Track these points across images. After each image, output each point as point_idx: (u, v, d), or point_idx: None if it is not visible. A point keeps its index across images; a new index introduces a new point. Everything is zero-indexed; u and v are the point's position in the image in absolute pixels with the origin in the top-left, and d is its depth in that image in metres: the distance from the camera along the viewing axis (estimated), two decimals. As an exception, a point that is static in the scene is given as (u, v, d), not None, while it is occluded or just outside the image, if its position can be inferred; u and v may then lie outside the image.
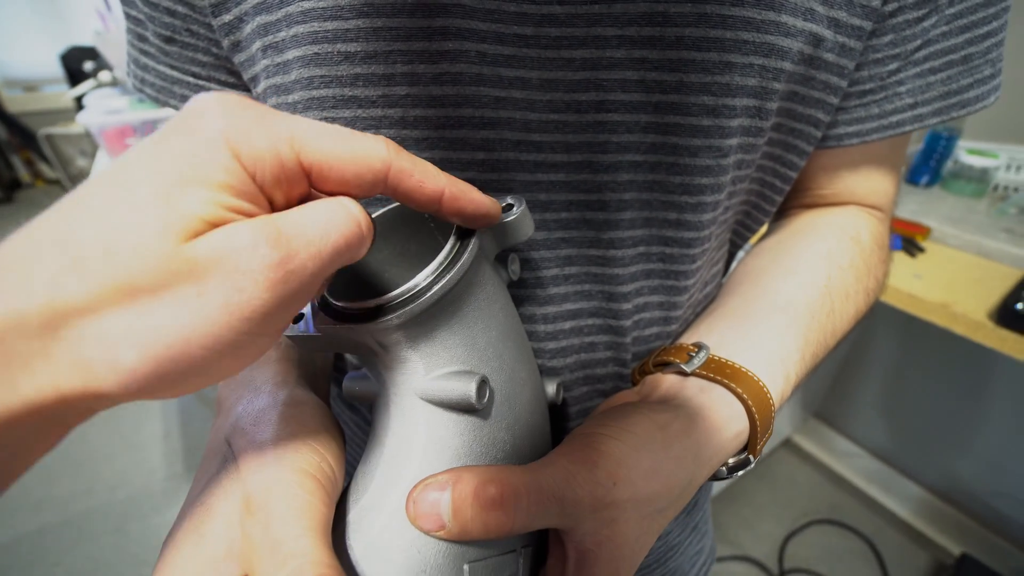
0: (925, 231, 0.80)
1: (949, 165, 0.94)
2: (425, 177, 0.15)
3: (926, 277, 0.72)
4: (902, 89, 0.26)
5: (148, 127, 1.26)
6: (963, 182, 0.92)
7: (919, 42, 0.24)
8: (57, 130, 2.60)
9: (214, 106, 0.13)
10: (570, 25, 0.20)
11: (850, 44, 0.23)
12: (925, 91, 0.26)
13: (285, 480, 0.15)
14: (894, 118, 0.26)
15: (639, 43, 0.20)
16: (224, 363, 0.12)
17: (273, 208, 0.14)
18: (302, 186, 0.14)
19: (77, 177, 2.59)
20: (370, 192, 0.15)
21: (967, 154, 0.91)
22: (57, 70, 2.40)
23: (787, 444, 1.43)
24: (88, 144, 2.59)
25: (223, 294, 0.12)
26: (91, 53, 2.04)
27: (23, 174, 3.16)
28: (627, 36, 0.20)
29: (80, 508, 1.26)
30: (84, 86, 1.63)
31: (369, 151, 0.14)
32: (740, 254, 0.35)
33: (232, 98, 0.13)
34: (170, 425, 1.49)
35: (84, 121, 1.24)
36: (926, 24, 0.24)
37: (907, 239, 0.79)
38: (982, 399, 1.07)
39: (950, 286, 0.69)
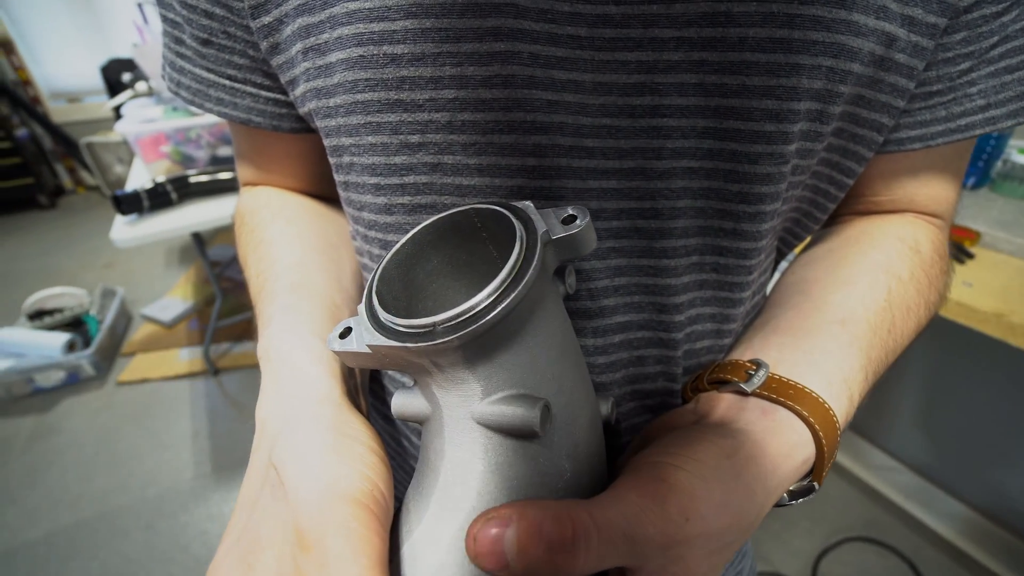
0: (974, 236, 0.76)
1: (998, 166, 0.89)
2: None
3: (977, 285, 0.68)
4: (973, 90, 0.24)
5: (180, 134, 1.30)
6: (1015, 183, 0.87)
7: (996, 39, 0.23)
8: (97, 139, 2.71)
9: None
10: (626, 26, 0.19)
11: (923, 43, 0.21)
12: (999, 91, 0.24)
13: (339, 513, 0.15)
14: (963, 121, 0.25)
15: (699, 45, 0.19)
16: None
17: None
18: None
19: (115, 183, 2.70)
20: None
21: (1019, 153, 0.86)
22: (98, 81, 2.52)
23: (819, 456, 1.38)
24: (125, 152, 2.70)
25: None
26: (129, 65, 2.12)
27: (66, 181, 3.31)
28: (686, 38, 0.19)
29: (114, 505, 1.30)
30: (122, 96, 1.69)
31: None
32: (783, 264, 0.34)
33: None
34: (199, 426, 1.53)
35: (121, 130, 1.29)
36: (1005, 19, 0.22)
37: (955, 244, 0.76)
38: (1033, 413, 1.01)
39: (1003, 294, 0.66)
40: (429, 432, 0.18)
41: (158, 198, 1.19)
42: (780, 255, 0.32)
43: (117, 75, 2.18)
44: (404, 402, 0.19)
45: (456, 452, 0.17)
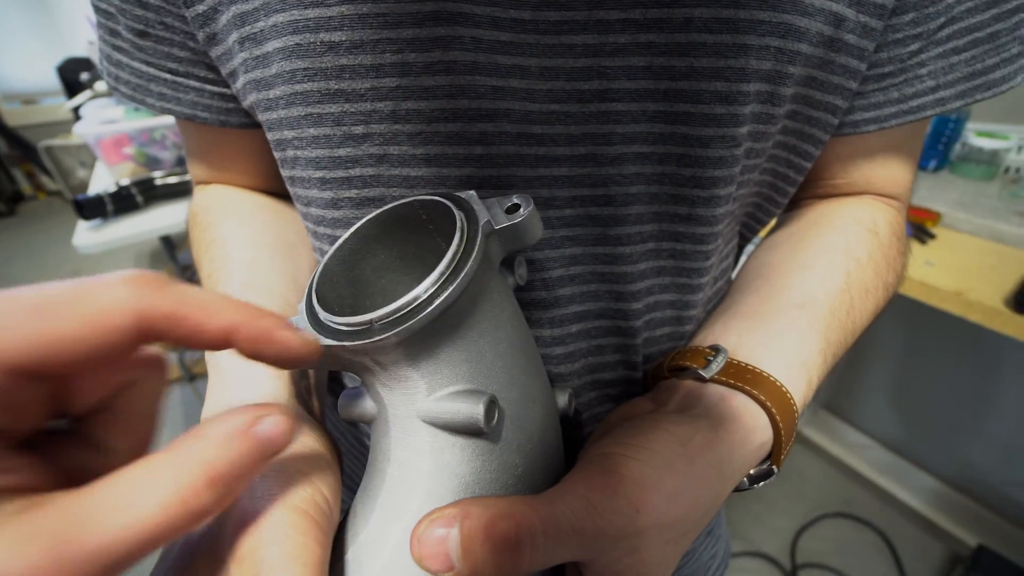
0: (935, 217, 0.78)
1: (957, 148, 0.92)
2: (207, 314, 0.12)
3: (938, 264, 0.70)
4: (923, 71, 0.24)
5: (144, 135, 1.25)
6: (973, 165, 0.90)
7: (942, 20, 0.23)
8: (57, 142, 2.60)
9: None
10: (570, 8, 0.19)
11: (872, 23, 0.21)
12: (948, 72, 0.24)
13: (275, 520, 0.14)
14: (914, 102, 0.25)
15: (645, 26, 0.19)
16: None
17: (2, 429, 0.11)
18: (32, 389, 0.11)
19: (78, 188, 2.60)
20: (131, 353, 0.12)
21: (976, 136, 0.89)
22: (54, 82, 2.41)
23: (797, 437, 1.41)
24: (87, 155, 2.59)
25: None
26: (87, 64, 2.04)
27: (25, 187, 3.17)
28: (632, 19, 0.19)
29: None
30: (80, 97, 1.63)
31: (105, 306, 0.11)
32: (749, 248, 0.34)
33: None
34: (175, 433, 1.46)
35: (80, 132, 1.24)
36: (950, 0, 0.22)
37: (917, 225, 0.78)
38: (995, 387, 1.05)
39: (963, 273, 0.68)
40: (376, 432, 0.18)
41: (122, 202, 1.15)
42: (744, 240, 0.32)
43: (75, 75, 2.09)
44: (350, 403, 0.18)
45: (402, 452, 0.17)
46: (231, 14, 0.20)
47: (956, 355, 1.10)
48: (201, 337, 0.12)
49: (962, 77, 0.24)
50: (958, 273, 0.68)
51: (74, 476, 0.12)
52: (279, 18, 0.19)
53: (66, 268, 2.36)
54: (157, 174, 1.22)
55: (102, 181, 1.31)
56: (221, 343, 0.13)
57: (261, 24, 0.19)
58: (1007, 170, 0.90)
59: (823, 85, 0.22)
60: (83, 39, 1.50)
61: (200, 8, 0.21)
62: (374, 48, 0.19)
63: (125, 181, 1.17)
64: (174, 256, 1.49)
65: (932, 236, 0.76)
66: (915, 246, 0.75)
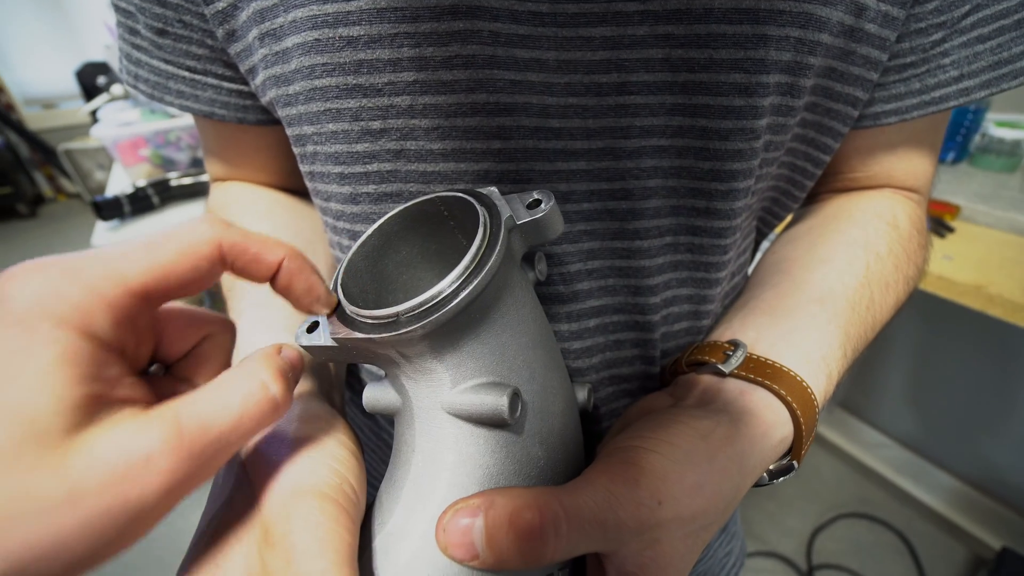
0: (954, 210, 0.77)
1: (977, 140, 0.90)
2: (263, 248, 0.15)
3: (957, 258, 0.68)
4: (946, 61, 0.24)
5: (159, 137, 1.28)
6: (993, 157, 0.88)
7: (967, 7, 0.22)
8: (75, 145, 2.66)
9: (16, 284, 0.12)
10: (588, 1, 0.19)
11: (894, 12, 0.21)
12: (972, 62, 0.24)
13: (305, 507, 0.14)
14: (937, 93, 0.24)
15: (663, 18, 0.19)
16: (114, 548, 0.12)
17: (127, 351, 0.14)
18: (147, 318, 0.14)
19: (96, 190, 2.65)
20: (213, 279, 0.15)
21: (996, 127, 0.87)
22: (73, 86, 2.45)
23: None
24: (105, 158, 2.65)
25: (105, 501, 0.11)
26: (104, 68, 2.07)
27: (46, 189, 3.24)
28: (651, 11, 0.19)
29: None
30: (98, 100, 1.66)
31: (194, 238, 0.14)
32: (765, 244, 0.34)
33: (30, 265, 0.12)
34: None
35: (98, 135, 1.26)
36: None
37: (935, 219, 0.76)
38: (1017, 383, 1.03)
39: (983, 266, 0.66)
40: (401, 424, 0.18)
41: (139, 203, 1.17)
42: (760, 235, 0.31)
43: (92, 79, 2.13)
44: (375, 395, 0.18)
45: (427, 443, 0.17)
46: (251, 11, 0.21)
47: (976, 351, 1.07)
48: (259, 264, 0.15)
49: (987, 66, 0.24)
50: (978, 267, 0.66)
51: None
52: (298, 13, 0.19)
53: (85, 269, 2.40)
54: (172, 175, 1.24)
55: (119, 183, 1.33)
56: (272, 271, 0.16)
57: (280, 20, 0.20)
58: (1030, 162, 0.88)
59: (843, 76, 0.22)
60: (100, 44, 1.54)
61: (220, 5, 0.21)
62: (392, 42, 0.19)
63: (142, 182, 1.19)
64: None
65: (951, 230, 0.75)
66: (934, 240, 0.74)
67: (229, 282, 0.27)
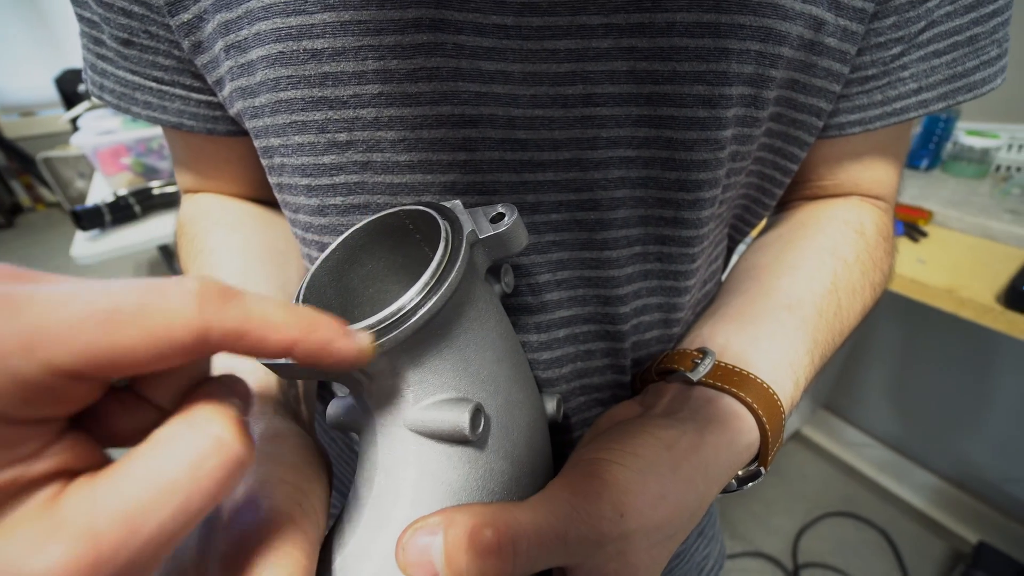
0: (927, 215, 0.79)
1: (948, 147, 0.93)
2: (270, 330, 0.12)
3: (930, 262, 0.70)
4: (906, 74, 0.25)
5: (141, 146, 1.26)
6: (964, 164, 0.91)
7: (923, 23, 0.23)
8: (55, 153, 2.60)
9: None
10: (553, 14, 0.19)
11: (852, 27, 0.22)
12: (929, 75, 0.25)
13: (262, 529, 0.14)
14: (898, 104, 0.25)
15: (627, 31, 0.19)
16: None
17: (53, 416, 0.10)
18: (82, 386, 0.10)
19: (76, 199, 2.60)
20: (182, 364, 0.11)
21: (967, 135, 0.90)
22: (53, 94, 2.41)
23: (796, 436, 1.41)
24: (85, 166, 2.60)
25: None
26: (84, 75, 2.04)
27: (23, 198, 3.17)
28: (614, 24, 0.19)
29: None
30: (78, 108, 1.63)
31: (170, 322, 0.10)
32: (740, 248, 0.34)
33: None
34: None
35: (78, 143, 1.24)
36: (930, 4, 0.23)
37: (909, 224, 0.78)
38: (990, 383, 1.06)
39: (955, 270, 0.68)
40: (364, 441, 0.18)
41: (120, 212, 1.15)
42: (733, 242, 0.32)
43: (72, 86, 2.10)
44: (338, 412, 0.18)
45: (388, 460, 0.17)
46: (216, 23, 0.20)
47: (952, 352, 1.10)
48: (261, 351, 0.12)
49: (943, 79, 0.25)
50: (950, 270, 0.68)
51: (130, 435, 0.12)
52: (262, 26, 0.19)
53: (65, 279, 2.35)
54: (154, 184, 1.22)
55: (100, 192, 1.31)
56: (280, 355, 0.12)
57: (245, 32, 0.20)
58: (997, 168, 0.91)
59: (806, 88, 0.23)
60: (80, 51, 1.52)
61: (185, 17, 0.21)
62: (356, 55, 0.19)
63: (123, 191, 1.17)
64: (172, 266, 1.49)
65: (924, 234, 0.77)
66: (907, 244, 0.76)
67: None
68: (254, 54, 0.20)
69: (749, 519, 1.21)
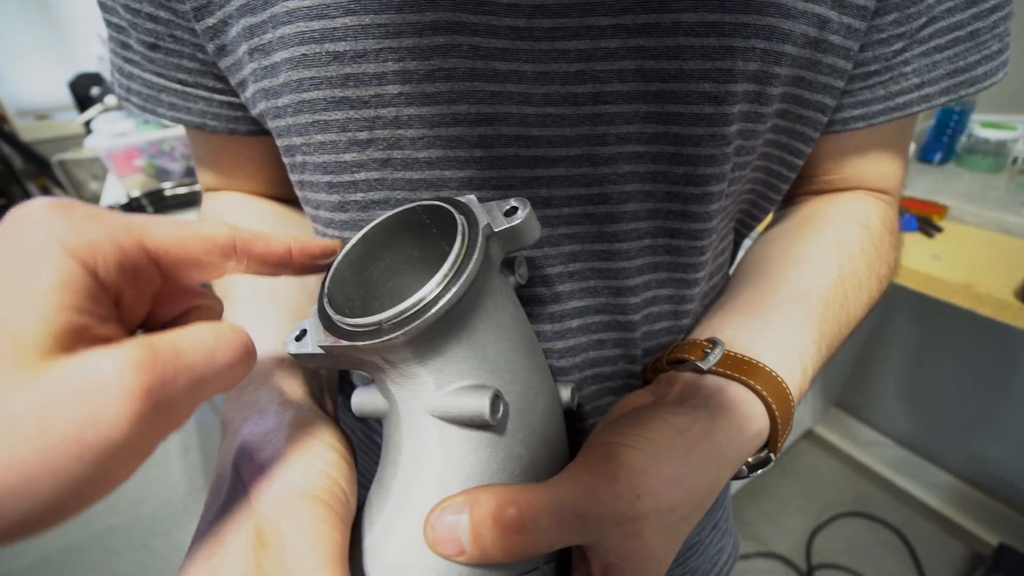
0: (942, 210, 0.78)
1: (963, 140, 0.92)
2: (269, 240, 0.18)
3: (945, 257, 0.69)
4: (908, 69, 0.25)
5: (153, 147, 1.28)
6: (979, 157, 0.89)
7: (924, 19, 0.24)
8: (69, 156, 2.65)
9: (37, 210, 0.12)
10: (563, 15, 0.19)
11: (855, 24, 0.22)
12: (931, 70, 0.25)
13: (297, 509, 0.15)
14: (901, 99, 0.26)
15: (635, 31, 0.20)
16: (83, 496, 0.11)
17: (123, 306, 0.14)
18: (151, 278, 0.14)
19: (91, 200, 2.65)
20: (222, 266, 0.16)
21: (981, 128, 0.88)
22: (66, 97, 2.45)
23: (809, 435, 1.40)
24: (99, 168, 2.64)
25: (73, 426, 0.10)
26: (97, 79, 2.08)
27: (39, 201, 3.23)
28: (622, 24, 0.20)
29: (105, 525, 1.28)
30: (91, 111, 1.66)
31: (214, 229, 0.16)
32: (747, 243, 0.34)
33: (56, 200, 0.13)
34: (189, 440, 1.51)
35: (92, 145, 1.27)
36: (931, 0, 0.23)
37: (923, 219, 0.77)
38: (1008, 380, 1.04)
39: (971, 265, 0.67)
40: (388, 427, 0.19)
41: (133, 213, 1.17)
42: (740, 236, 0.32)
43: (86, 90, 2.13)
44: (363, 399, 0.19)
45: (413, 445, 0.17)
46: (240, 27, 0.21)
47: (968, 349, 1.08)
48: (270, 254, 0.18)
49: (945, 74, 0.25)
50: (966, 266, 0.67)
51: None
52: (286, 30, 0.20)
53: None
54: (167, 185, 1.24)
55: (114, 193, 1.33)
56: (284, 257, 0.18)
57: (269, 36, 0.20)
58: (1014, 161, 0.89)
59: (811, 84, 0.23)
60: (93, 55, 1.55)
61: (210, 22, 0.22)
62: (377, 57, 0.20)
63: (136, 193, 1.20)
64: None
65: (939, 229, 0.76)
66: (922, 240, 0.75)
67: (220, 292, 0.28)
68: (278, 56, 0.20)
69: (762, 519, 1.20)
